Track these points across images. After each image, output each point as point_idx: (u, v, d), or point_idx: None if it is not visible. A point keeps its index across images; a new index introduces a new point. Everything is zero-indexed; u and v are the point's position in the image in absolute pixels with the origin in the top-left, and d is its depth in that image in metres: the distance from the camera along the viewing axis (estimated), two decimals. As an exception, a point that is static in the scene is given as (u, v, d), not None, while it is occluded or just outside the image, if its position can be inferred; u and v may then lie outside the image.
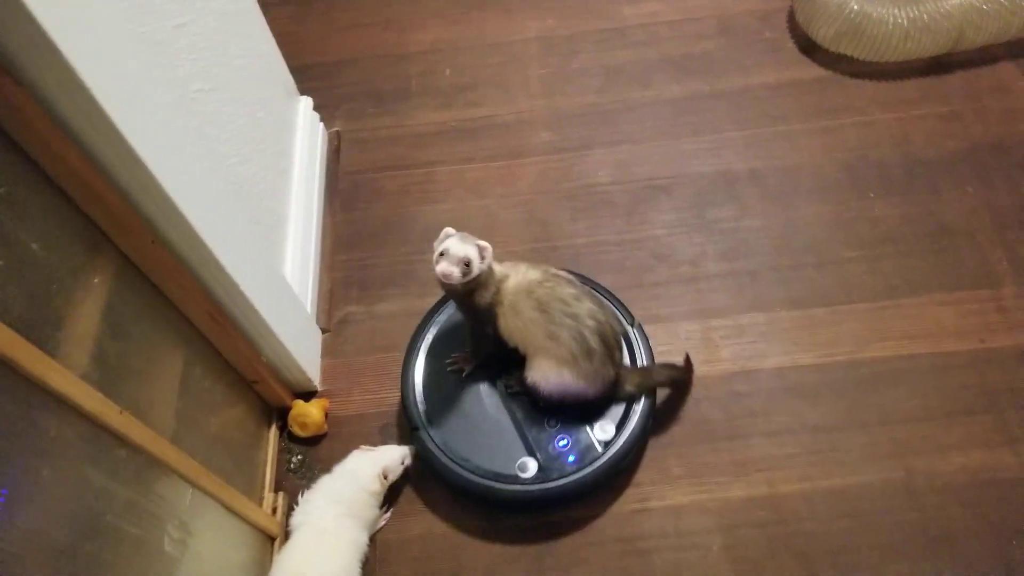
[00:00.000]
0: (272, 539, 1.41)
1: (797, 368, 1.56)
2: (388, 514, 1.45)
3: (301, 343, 1.53)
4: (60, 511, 0.81)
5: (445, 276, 1.25)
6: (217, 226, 1.17)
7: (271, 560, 1.37)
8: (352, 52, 2.13)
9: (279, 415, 1.56)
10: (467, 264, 1.26)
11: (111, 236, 1.01)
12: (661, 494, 1.44)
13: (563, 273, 1.38)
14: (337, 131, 2.00)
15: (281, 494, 1.46)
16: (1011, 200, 1.72)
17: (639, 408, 1.42)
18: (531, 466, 1.39)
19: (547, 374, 1.35)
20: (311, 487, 1.40)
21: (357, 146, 1.98)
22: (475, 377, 1.50)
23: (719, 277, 1.69)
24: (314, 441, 1.55)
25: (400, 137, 1.98)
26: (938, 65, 1.93)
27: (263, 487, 1.45)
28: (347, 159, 1.96)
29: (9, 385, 0.77)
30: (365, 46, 2.13)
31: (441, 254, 1.27)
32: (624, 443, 1.39)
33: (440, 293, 1.53)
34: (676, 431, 1.50)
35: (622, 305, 1.55)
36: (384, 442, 1.52)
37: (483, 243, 1.29)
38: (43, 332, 0.84)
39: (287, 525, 1.38)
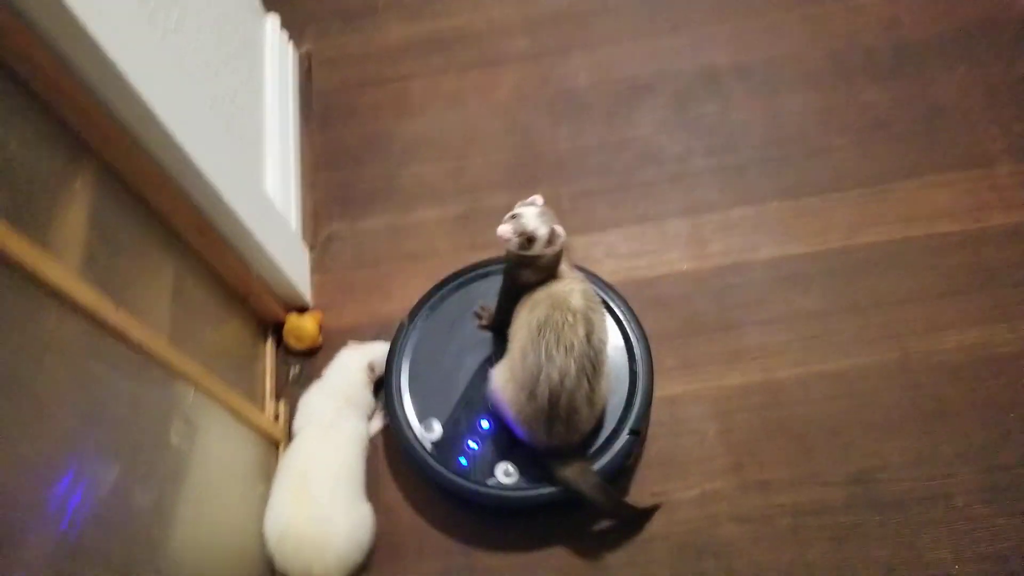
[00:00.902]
0: (276, 444, 1.42)
1: (789, 258, 1.55)
2: (384, 418, 1.45)
3: (289, 259, 1.51)
4: (63, 397, 0.82)
5: (501, 236, 1.17)
6: (193, 132, 1.14)
7: (276, 464, 1.39)
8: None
9: (274, 329, 1.56)
10: (529, 240, 1.17)
11: (89, 140, 0.98)
12: (656, 385, 1.44)
13: (598, 324, 1.22)
14: (307, 51, 1.95)
15: (283, 401, 1.47)
16: (1004, 78, 1.69)
17: (544, 491, 1.28)
18: (435, 432, 1.35)
19: (498, 375, 1.29)
20: (305, 392, 1.42)
21: (328, 65, 1.93)
22: (486, 334, 1.44)
23: (707, 173, 1.67)
24: (310, 353, 1.55)
25: (371, 54, 1.93)
26: (926, -54, 1.88)
27: (264, 396, 1.47)
28: (319, 79, 1.91)
29: (4, 276, 0.76)
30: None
31: (513, 216, 1.19)
32: (507, 498, 1.30)
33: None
34: (668, 325, 1.50)
35: (646, 410, 1.35)
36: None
37: (560, 229, 1.19)
38: (31, 230, 0.82)
39: (290, 431, 1.39)
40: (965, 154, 1.61)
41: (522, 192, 1.66)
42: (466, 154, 1.78)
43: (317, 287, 1.63)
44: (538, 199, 1.22)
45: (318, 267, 1.66)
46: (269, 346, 1.53)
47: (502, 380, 1.27)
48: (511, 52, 1.89)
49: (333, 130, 1.85)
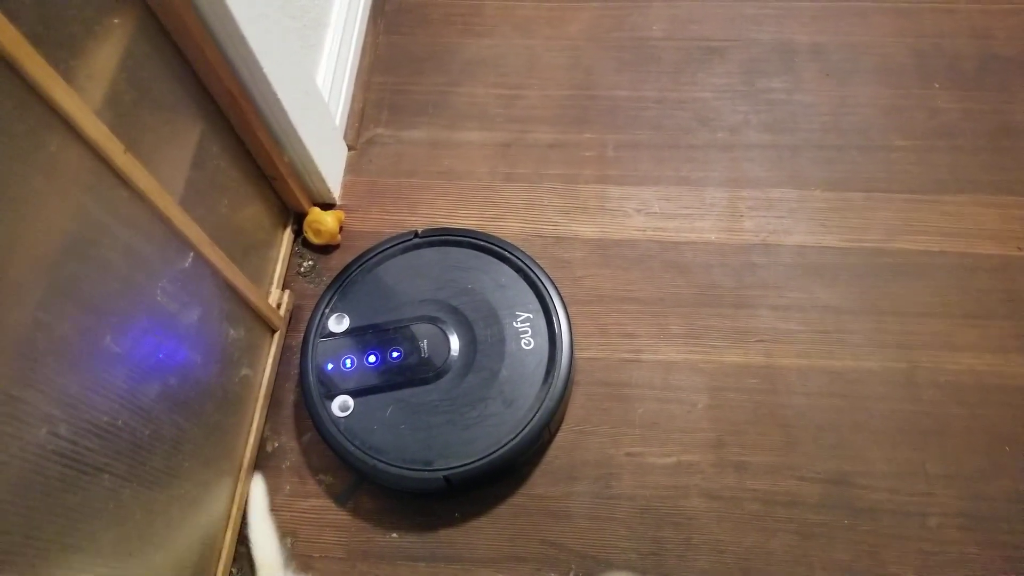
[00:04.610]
0: (273, 332, 1.44)
1: (820, 248, 1.52)
2: None
3: (325, 152, 1.52)
4: (48, 224, 0.82)
5: None
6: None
7: (269, 350, 1.42)
8: None
9: (296, 220, 1.58)
10: None
11: (133, -20, 0.99)
12: (655, 348, 1.44)
13: None
14: (391, -50, 1.93)
15: (287, 292, 1.49)
16: (1086, 111, 1.61)
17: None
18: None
19: None
20: None
21: (409, -31, 1.91)
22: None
23: (758, 148, 1.63)
24: (327, 250, 1.57)
25: (454, -34, 1.91)
26: (1041, -42, 1.77)
27: (271, 282, 1.48)
28: (398, -19, 1.90)
29: (9, 87, 0.76)
30: None
31: None
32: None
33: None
34: (682, 291, 1.49)
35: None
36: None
37: None
38: (54, 52, 0.83)
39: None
40: (1025, 180, 1.55)
41: (570, 131, 1.67)
42: (523, 84, 1.76)
43: (347, 187, 1.64)
44: None
45: (353, 168, 1.67)
46: (287, 235, 1.55)
47: None
48: (591, -10, 1.86)
49: (399, 35, 1.84)
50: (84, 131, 0.86)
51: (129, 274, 0.96)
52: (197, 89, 1.18)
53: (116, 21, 0.96)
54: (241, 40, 1.16)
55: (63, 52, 0.85)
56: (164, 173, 1.06)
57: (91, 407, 0.91)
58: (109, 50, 0.94)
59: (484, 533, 1.32)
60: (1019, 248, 1.48)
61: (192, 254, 1.11)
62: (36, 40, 0.79)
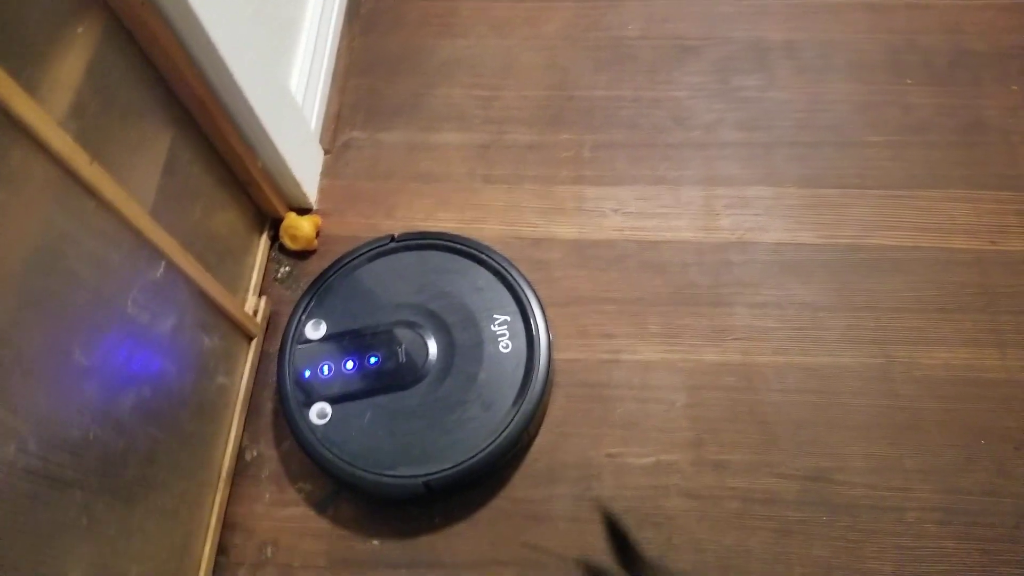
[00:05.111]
0: (250, 339, 1.43)
1: (796, 245, 1.52)
2: None
3: (300, 157, 1.51)
4: (13, 237, 0.81)
5: None
6: (214, 3, 1.13)
7: (246, 358, 1.41)
8: None
9: (272, 225, 1.57)
10: None
11: (96, -12, 0.97)
12: (634, 348, 1.44)
13: None
14: (365, -48, 1.92)
15: (264, 299, 1.48)
16: (1057, 105, 1.62)
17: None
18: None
19: None
20: None
21: (384, -30, 1.90)
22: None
23: (733, 146, 1.63)
24: (304, 256, 1.57)
25: (428, -33, 1.90)
26: (1011, -47, 1.79)
27: (247, 289, 1.47)
28: (372, -18, 1.89)
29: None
30: None
31: None
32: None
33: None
34: (660, 291, 1.49)
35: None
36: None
37: None
38: (14, 63, 0.82)
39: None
40: (997, 174, 1.55)
41: (547, 131, 1.67)
42: (500, 85, 1.76)
43: (324, 191, 1.63)
44: None
45: (329, 171, 1.66)
46: (263, 241, 1.54)
47: None
48: (567, -12, 1.85)
49: (374, 36, 1.83)
50: (48, 143, 0.85)
51: (98, 286, 0.95)
52: (166, 95, 1.17)
53: (80, 30, 0.95)
54: (209, 45, 1.15)
55: (24, 62, 0.84)
56: (133, 182, 1.05)
57: (61, 421, 0.90)
58: (73, 59, 0.93)
59: (465, 538, 1.32)
60: (992, 242, 1.50)
61: (164, 263, 1.10)
62: (-5, 53, 0.78)
